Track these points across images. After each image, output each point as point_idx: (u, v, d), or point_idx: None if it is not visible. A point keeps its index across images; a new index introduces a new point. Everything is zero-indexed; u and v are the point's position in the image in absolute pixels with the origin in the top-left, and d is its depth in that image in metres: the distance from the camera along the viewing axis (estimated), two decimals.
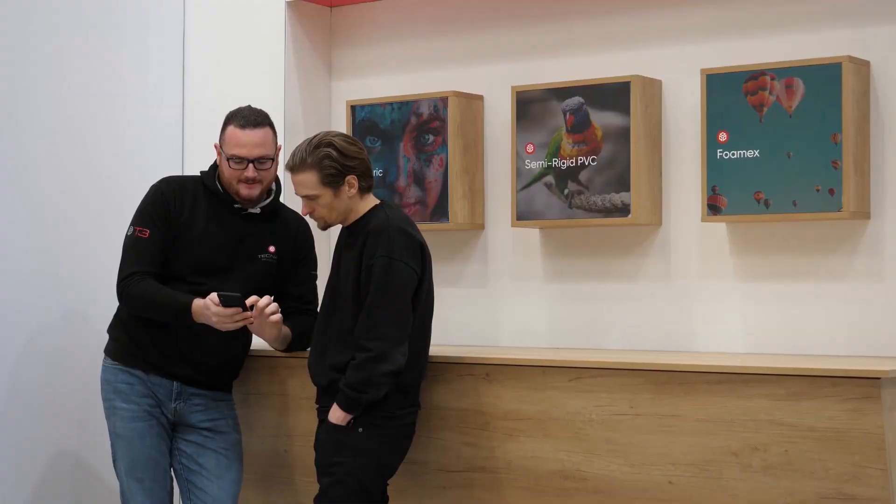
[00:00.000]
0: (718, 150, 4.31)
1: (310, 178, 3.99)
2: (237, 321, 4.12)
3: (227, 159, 4.22)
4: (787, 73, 4.17)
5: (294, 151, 4.04)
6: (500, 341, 4.96)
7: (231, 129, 4.23)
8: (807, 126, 4.14)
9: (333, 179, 3.99)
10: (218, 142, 4.29)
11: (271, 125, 4.28)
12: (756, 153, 4.20)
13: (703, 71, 4.37)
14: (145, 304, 4.20)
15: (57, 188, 5.05)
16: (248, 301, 4.12)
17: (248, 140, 4.20)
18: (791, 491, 3.61)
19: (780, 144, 4.18)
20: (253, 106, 4.29)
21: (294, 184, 4.04)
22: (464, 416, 4.16)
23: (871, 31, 4.24)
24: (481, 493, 4.13)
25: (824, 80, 4.10)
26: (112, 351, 4.37)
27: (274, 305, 4.17)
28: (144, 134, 5.36)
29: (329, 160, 3.97)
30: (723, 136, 4.26)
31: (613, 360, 3.94)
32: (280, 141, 4.41)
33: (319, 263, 4.54)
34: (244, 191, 4.26)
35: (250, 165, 4.22)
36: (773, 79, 4.17)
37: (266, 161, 4.24)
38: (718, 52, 4.49)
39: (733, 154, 4.27)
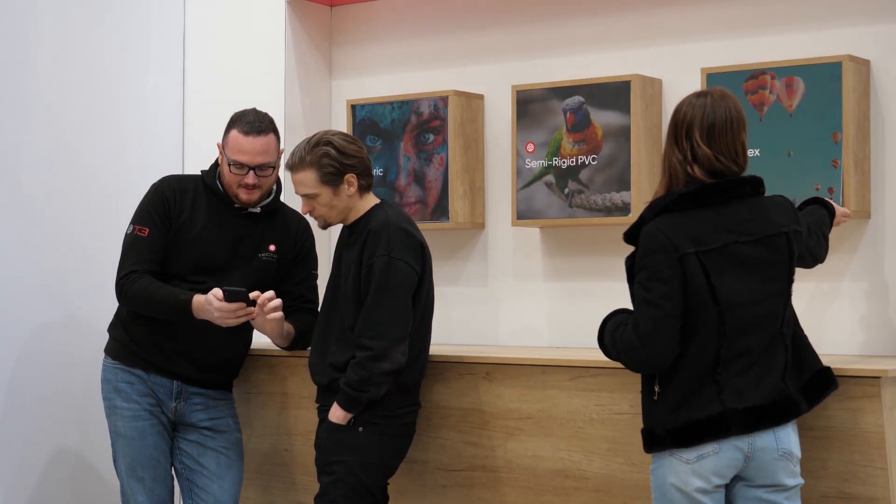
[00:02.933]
0: None
1: (309, 176, 3.99)
2: (239, 317, 4.12)
3: (229, 164, 4.22)
4: (787, 72, 4.16)
5: (293, 150, 4.04)
6: (500, 340, 4.96)
7: (234, 133, 4.21)
8: (807, 125, 4.14)
9: (332, 178, 3.99)
10: (221, 141, 4.28)
11: (275, 131, 4.26)
12: (756, 152, 4.19)
13: (703, 70, 4.37)
14: (144, 301, 4.20)
15: (57, 188, 5.05)
16: (252, 295, 4.11)
17: (250, 147, 4.20)
18: None
19: (780, 143, 4.18)
20: (259, 110, 4.27)
21: (293, 182, 4.04)
22: (464, 415, 4.16)
23: (872, 31, 4.24)
24: (482, 492, 4.13)
25: (825, 79, 4.09)
26: (112, 350, 4.37)
27: (276, 301, 4.17)
28: (145, 133, 5.37)
29: (328, 159, 3.97)
30: None
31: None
32: (281, 140, 4.40)
33: (320, 263, 4.54)
34: (243, 195, 4.26)
35: (251, 172, 4.21)
36: (773, 78, 4.17)
37: (267, 168, 4.23)
38: (719, 51, 4.49)
39: None
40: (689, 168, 3.32)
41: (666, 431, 3.32)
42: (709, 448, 3.29)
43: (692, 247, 3.27)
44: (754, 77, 4.21)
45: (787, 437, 3.35)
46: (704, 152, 3.30)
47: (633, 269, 3.37)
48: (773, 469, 3.34)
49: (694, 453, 3.30)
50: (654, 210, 3.34)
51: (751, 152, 4.12)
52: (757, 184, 3.39)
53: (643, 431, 3.41)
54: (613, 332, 3.44)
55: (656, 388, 3.35)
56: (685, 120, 3.33)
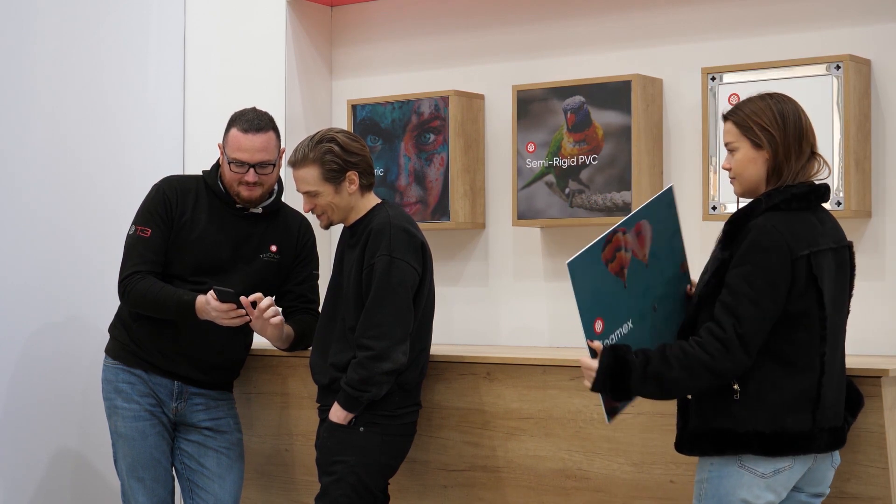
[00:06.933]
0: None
1: (311, 173, 3.99)
2: (234, 318, 4.12)
3: (229, 162, 4.22)
4: (635, 218, 3.42)
5: (296, 147, 4.04)
6: (500, 340, 4.96)
7: (234, 131, 4.22)
8: (659, 268, 3.45)
9: (335, 175, 3.98)
10: (221, 142, 4.29)
11: (275, 129, 4.26)
12: (629, 324, 3.37)
13: (703, 70, 4.37)
14: (147, 302, 4.20)
15: (57, 189, 5.05)
16: (250, 298, 4.11)
17: (249, 145, 4.20)
18: None
19: (646, 301, 3.40)
20: (258, 109, 4.27)
21: (295, 180, 4.04)
22: (465, 415, 4.16)
23: (872, 31, 4.24)
24: (482, 492, 4.13)
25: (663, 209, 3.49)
26: (113, 350, 4.37)
27: (274, 308, 4.16)
28: (145, 133, 5.37)
29: (331, 155, 3.97)
30: (599, 326, 3.31)
31: None
32: (281, 139, 4.39)
33: (321, 263, 4.54)
34: (245, 193, 4.26)
35: (251, 170, 4.21)
36: (624, 233, 3.38)
37: (267, 166, 4.23)
38: (719, 51, 4.49)
39: None
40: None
41: (756, 434, 3.16)
42: (785, 462, 3.20)
43: (806, 248, 3.16)
44: (608, 241, 3.34)
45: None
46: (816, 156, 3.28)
47: (726, 261, 3.19)
48: (824, 478, 3.33)
49: (771, 467, 3.19)
50: (766, 204, 3.20)
51: (626, 326, 3.39)
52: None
53: (714, 431, 3.21)
54: (673, 358, 3.16)
55: (735, 387, 3.17)
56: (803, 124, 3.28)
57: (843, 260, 3.29)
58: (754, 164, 3.25)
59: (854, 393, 3.39)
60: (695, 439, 3.27)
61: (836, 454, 3.34)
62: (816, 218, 3.25)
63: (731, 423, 3.19)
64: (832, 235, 3.25)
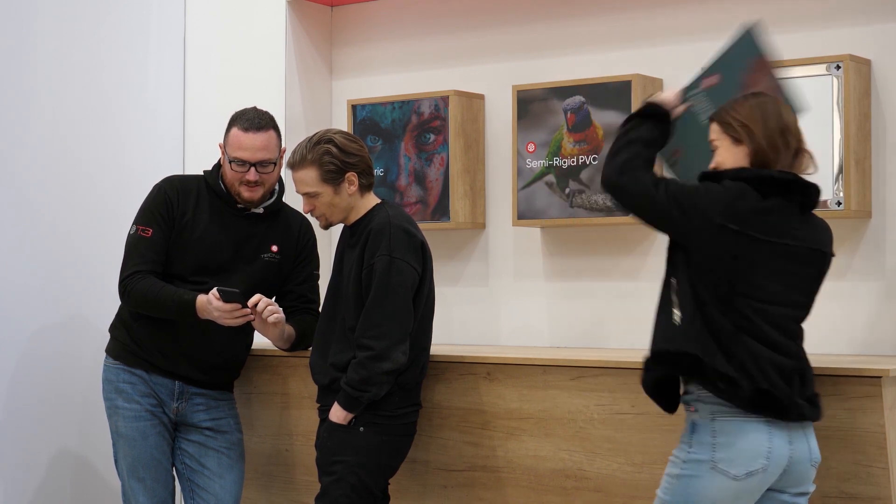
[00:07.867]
0: None
1: (310, 174, 4.00)
2: (237, 318, 4.12)
3: (230, 161, 4.22)
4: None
5: (295, 149, 4.04)
6: (501, 340, 4.96)
7: (234, 131, 4.22)
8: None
9: (334, 176, 3.99)
10: (222, 141, 4.29)
11: (276, 128, 4.27)
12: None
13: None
14: (148, 301, 4.20)
15: (57, 189, 5.05)
16: (250, 302, 4.11)
17: (250, 143, 4.20)
18: None
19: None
20: (259, 108, 4.28)
21: (294, 181, 4.05)
22: (465, 415, 4.16)
23: (872, 31, 4.24)
24: (482, 492, 4.14)
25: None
26: (113, 350, 4.37)
27: (272, 308, 4.16)
28: (145, 133, 5.37)
29: (329, 156, 3.98)
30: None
31: (615, 359, 3.94)
32: (282, 138, 4.40)
33: (321, 263, 4.54)
34: (246, 193, 4.26)
35: (252, 168, 4.21)
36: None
37: (268, 165, 4.23)
38: None
39: None
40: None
41: (691, 357, 3.22)
42: (758, 465, 3.21)
43: (737, 224, 3.20)
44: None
45: (816, 445, 3.34)
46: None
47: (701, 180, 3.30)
48: (804, 478, 3.33)
49: (743, 469, 3.21)
50: (733, 174, 3.27)
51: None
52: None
53: (660, 353, 3.30)
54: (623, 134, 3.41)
55: (676, 311, 3.29)
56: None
57: (810, 261, 3.31)
58: (734, 158, 3.30)
59: (814, 401, 3.38)
60: (656, 381, 3.35)
61: (816, 450, 3.33)
62: (802, 217, 3.28)
63: (670, 345, 3.27)
64: (813, 236, 3.30)
